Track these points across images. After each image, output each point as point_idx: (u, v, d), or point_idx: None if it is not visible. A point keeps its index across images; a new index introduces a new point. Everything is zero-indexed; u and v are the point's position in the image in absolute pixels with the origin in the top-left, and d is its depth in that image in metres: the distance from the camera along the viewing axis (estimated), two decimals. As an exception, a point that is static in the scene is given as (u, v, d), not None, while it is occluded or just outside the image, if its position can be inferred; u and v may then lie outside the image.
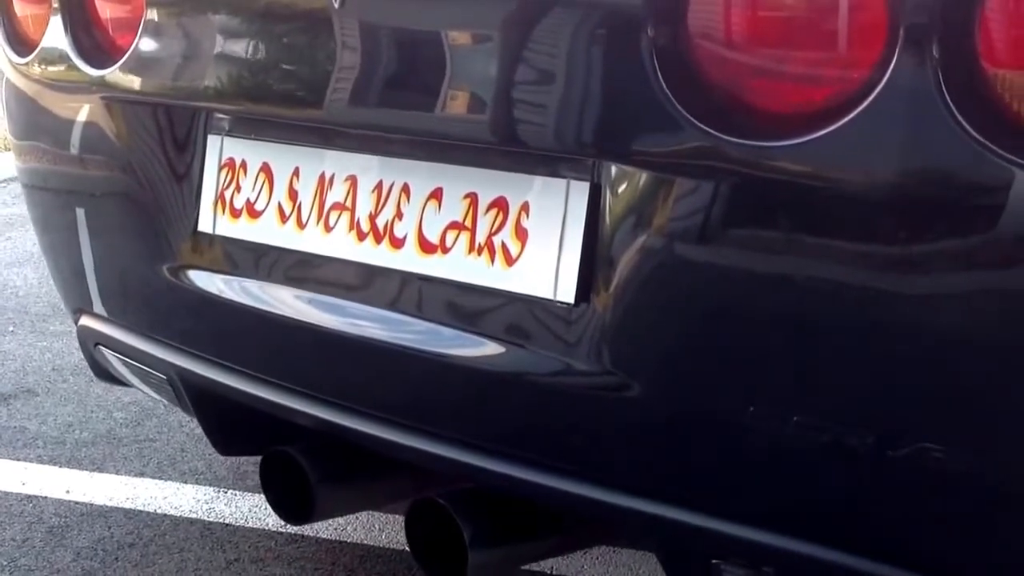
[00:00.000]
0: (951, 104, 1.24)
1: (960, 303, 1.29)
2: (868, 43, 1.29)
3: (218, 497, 2.71)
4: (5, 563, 2.44)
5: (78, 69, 2.01)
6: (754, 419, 1.40)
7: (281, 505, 1.89)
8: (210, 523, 2.61)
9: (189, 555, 2.48)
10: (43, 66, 2.08)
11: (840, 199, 1.32)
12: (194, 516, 2.64)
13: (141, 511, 2.66)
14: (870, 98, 1.28)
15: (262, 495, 2.59)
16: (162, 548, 2.50)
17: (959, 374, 1.30)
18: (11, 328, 3.81)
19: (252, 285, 1.86)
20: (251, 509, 2.65)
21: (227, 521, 2.61)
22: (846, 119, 1.29)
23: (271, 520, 2.60)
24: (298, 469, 1.84)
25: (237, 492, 2.71)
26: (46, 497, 2.72)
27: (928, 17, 1.24)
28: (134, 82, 1.96)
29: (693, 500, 1.49)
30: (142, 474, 2.83)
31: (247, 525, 2.59)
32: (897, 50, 1.25)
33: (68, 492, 2.74)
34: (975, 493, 1.31)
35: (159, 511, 2.66)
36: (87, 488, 2.76)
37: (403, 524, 2.43)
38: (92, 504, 2.69)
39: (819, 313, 1.36)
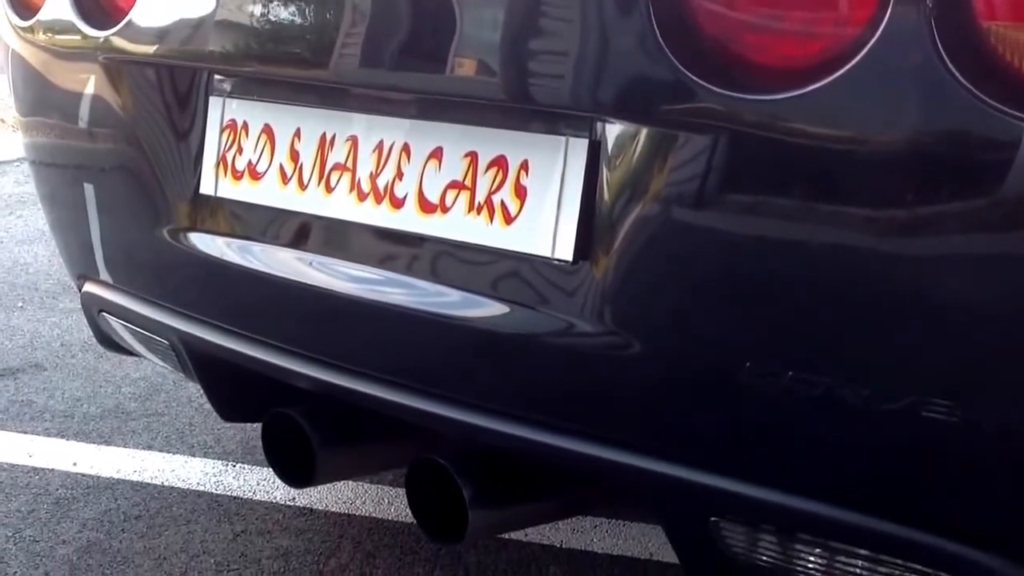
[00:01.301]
0: (945, 57, 1.23)
1: (957, 259, 1.28)
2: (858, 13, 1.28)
3: (226, 470, 2.69)
4: (10, 534, 2.43)
5: (80, 31, 1.99)
6: (751, 375, 1.39)
7: (283, 468, 1.87)
8: (217, 495, 2.59)
9: (196, 527, 2.46)
10: (46, 29, 2.06)
11: (837, 153, 1.31)
12: (202, 488, 2.62)
13: (148, 483, 2.65)
14: (864, 51, 1.27)
15: (270, 469, 2.59)
16: (168, 520, 2.49)
17: (958, 334, 1.28)
18: (20, 304, 3.81)
19: (254, 247, 1.85)
20: (259, 482, 2.64)
21: (235, 494, 2.60)
22: (841, 72, 1.28)
23: (279, 493, 2.59)
24: (300, 432, 1.82)
25: (246, 465, 2.70)
26: (52, 469, 2.70)
27: None
28: (136, 43, 1.94)
29: (689, 456, 1.48)
30: (150, 447, 2.81)
31: (255, 498, 2.58)
32: (891, 3, 1.25)
33: (75, 465, 2.72)
34: (980, 455, 1.30)
35: (166, 484, 2.65)
36: (94, 461, 2.75)
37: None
38: (99, 476, 2.67)
39: (815, 269, 1.35)
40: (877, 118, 1.28)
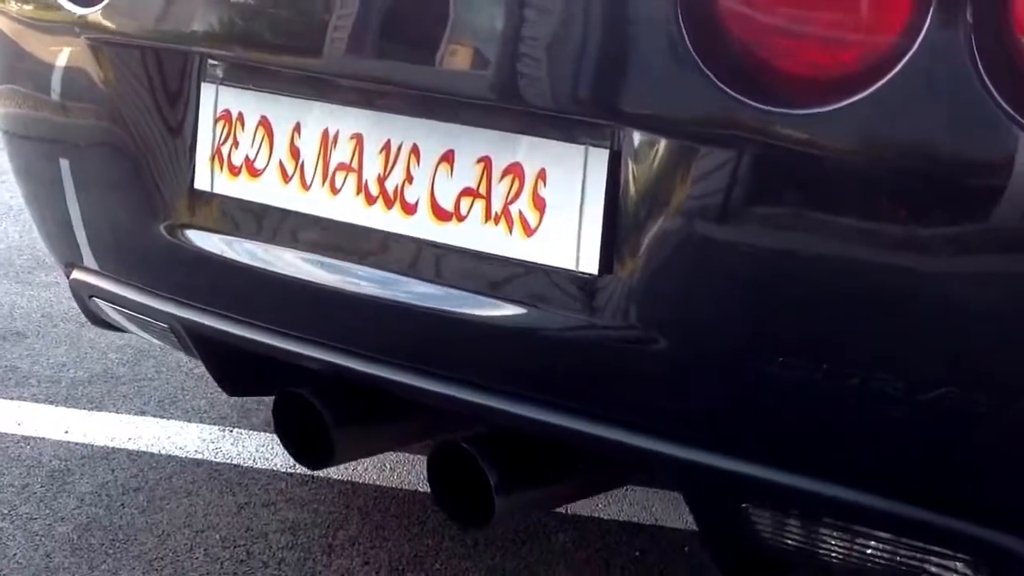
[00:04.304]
0: (984, 74, 1.20)
1: (988, 277, 1.28)
2: (898, 8, 1.25)
3: (223, 436, 2.65)
4: (6, 511, 2.38)
5: (61, 7, 1.90)
6: (777, 369, 1.38)
7: (298, 449, 1.82)
8: (217, 464, 2.56)
9: (198, 499, 2.43)
10: (24, 2, 1.97)
11: (866, 170, 1.29)
12: (200, 457, 2.59)
13: (144, 452, 2.61)
14: (898, 67, 1.24)
15: (268, 434, 2.56)
16: (169, 492, 2.45)
17: (978, 333, 1.29)
18: (-6, 281, 3.72)
19: (258, 248, 1.78)
20: (258, 448, 2.60)
21: (234, 462, 2.56)
22: (873, 88, 1.25)
23: (279, 460, 2.55)
24: (312, 411, 1.77)
25: (242, 431, 2.66)
26: (44, 438, 2.65)
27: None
28: (120, 23, 1.84)
29: (721, 444, 1.47)
30: (143, 413, 2.77)
31: (255, 466, 2.54)
32: (928, 17, 1.22)
33: (67, 432, 2.68)
34: (1002, 441, 1.31)
35: (163, 452, 2.61)
36: (86, 428, 2.70)
37: (415, 464, 2.41)
38: (93, 445, 2.63)
39: (842, 280, 1.34)
40: (908, 135, 1.26)
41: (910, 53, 1.23)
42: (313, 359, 1.74)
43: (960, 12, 1.21)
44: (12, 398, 2.84)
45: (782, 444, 1.42)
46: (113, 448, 2.61)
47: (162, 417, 2.74)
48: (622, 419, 1.50)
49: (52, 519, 2.36)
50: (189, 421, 2.72)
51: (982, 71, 1.20)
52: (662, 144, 1.41)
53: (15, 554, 2.24)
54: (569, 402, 1.54)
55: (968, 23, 1.20)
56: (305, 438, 1.79)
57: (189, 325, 1.90)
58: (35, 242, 3.73)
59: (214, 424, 2.69)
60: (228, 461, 2.56)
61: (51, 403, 2.81)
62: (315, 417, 1.75)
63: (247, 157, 1.77)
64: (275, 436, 2.43)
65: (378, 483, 2.46)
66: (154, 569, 2.20)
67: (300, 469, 2.51)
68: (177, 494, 2.45)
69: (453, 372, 1.62)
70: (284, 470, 2.52)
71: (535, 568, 2.21)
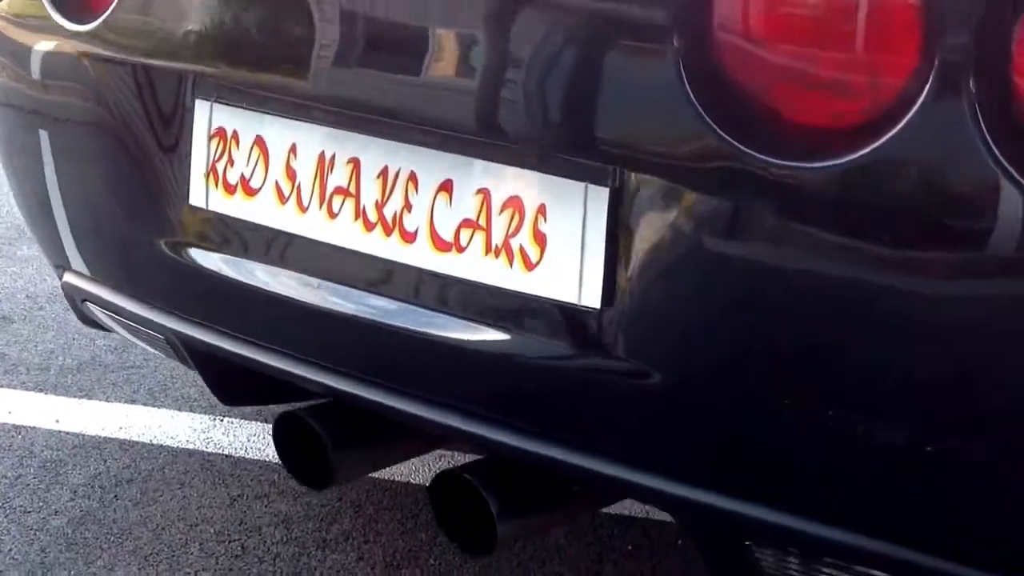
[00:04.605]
0: (987, 134, 1.21)
1: (987, 334, 1.28)
2: (900, 66, 1.25)
3: (214, 426, 2.67)
4: (0, 504, 2.40)
5: (56, 24, 1.89)
6: (779, 409, 1.40)
7: (298, 470, 1.84)
8: (209, 454, 2.58)
9: (191, 491, 2.45)
10: (15, 13, 1.96)
11: (860, 222, 1.30)
12: (192, 447, 2.60)
13: (136, 442, 2.62)
14: (899, 124, 1.24)
15: (259, 423, 2.58)
16: (162, 484, 2.47)
17: (979, 389, 1.30)
18: (-24, 254, 3.71)
19: (254, 266, 1.78)
20: (249, 438, 2.62)
21: (226, 451, 2.58)
22: (870, 145, 1.26)
23: (270, 450, 2.57)
24: (312, 434, 1.79)
25: (233, 420, 2.68)
26: (35, 428, 2.67)
27: (963, 47, 1.20)
28: (114, 41, 1.84)
29: (724, 484, 1.49)
30: (133, 401, 2.78)
31: (247, 456, 2.57)
32: (931, 77, 1.22)
33: (58, 422, 2.69)
34: (995, 491, 1.33)
35: (155, 441, 2.62)
36: (77, 417, 2.71)
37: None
38: (84, 435, 2.64)
39: (840, 330, 1.35)
40: (911, 191, 1.26)
41: (911, 111, 1.23)
42: (308, 380, 1.75)
43: (963, 71, 1.21)
44: (2, 386, 2.85)
45: (783, 485, 1.44)
46: (105, 438, 2.63)
47: (152, 406, 2.75)
48: (624, 455, 1.52)
49: (46, 512, 2.37)
50: (180, 410, 2.73)
51: (985, 130, 1.20)
52: (662, 186, 1.41)
53: (11, 549, 2.26)
54: (569, 436, 1.56)
55: (970, 82, 1.20)
56: (305, 460, 1.81)
57: (184, 338, 1.91)
58: (14, 212, 3.71)
59: (204, 413, 2.71)
60: (220, 451, 2.58)
61: (41, 391, 2.82)
62: (315, 440, 1.77)
63: (243, 176, 1.77)
64: (266, 425, 2.47)
65: (371, 475, 2.48)
66: (150, 565, 2.23)
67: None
68: (170, 485, 2.47)
69: (450, 401, 1.63)
70: (276, 461, 2.54)
71: (528, 564, 2.24)
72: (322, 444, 1.77)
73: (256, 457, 2.56)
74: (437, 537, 2.30)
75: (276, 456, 2.50)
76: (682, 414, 1.47)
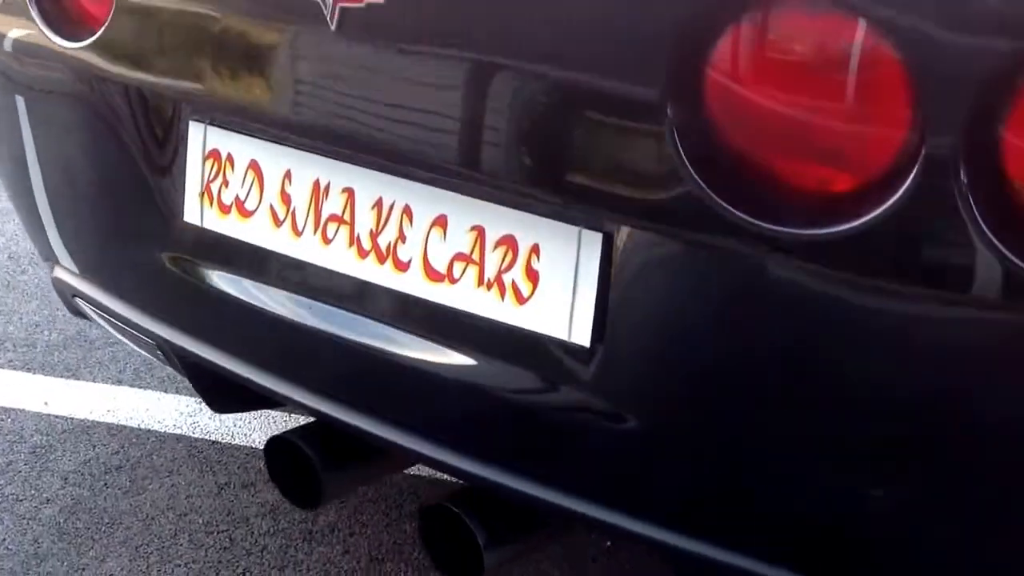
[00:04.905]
0: (977, 215, 1.22)
1: (974, 406, 1.31)
2: (890, 144, 1.27)
3: (200, 409, 2.71)
4: (-7, 494, 2.45)
5: (48, 40, 1.91)
6: (758, 463, 1.44)
7: (290, 491, 1.90)
8: (196, 440, 2.62)
9: (179, 479, 2.50)
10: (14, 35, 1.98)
11: (839, 297, 1.33)
12: (179, 432, 2.65)
13: (124, 426, 2.67)
14: (893, 198, 1.26)
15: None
16: (150, 471, 2.52)
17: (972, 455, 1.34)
18: (-45, 208, 3.71)
19: (249, 285, 1.82)
20: (235, 423, 2.67)
21: (212, 437, 2.63)
22: (857, 222, 1.27)
23: (256, 436, 2.62)
24: (302, 457, 1.84)
25: (219, 405, 2.72)
26: (24, 410, 2.71)
27: (953, 128, 1.21)
28: (104, 59, 1.86)
29: (698, 530, 1.53)
30: (119, 382, 2.82)
31: (233, 442, 2.61)
32: (921, 156, 1.23)
33: (47, 404, 2.73)
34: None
35: (142, 426, 2.67)
36: (65, 399, 2.75)
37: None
38: (73, 419, 2.69)
39: (819, 392, 1.39)
40: (895, 270, 1.28)
41: (900, 188, 1.25)
42: (291, 400, 1.80)
43: (953, 150, 1.22)
44: (-11, 365, 2.89)
45: (762, 534, 1.49)
46: (93, 422, 2.67)
47: (139, 387, 2.79)
48: (606, 497, 1.57)
49: (38, 500, 2.42)
50: (166, 391, 2.77)
51: (975, 211, 1.22)
52: (654, 238, 1.45)
53: (4, 539, 2.31)
54: (551, 473, 1.60)
55: (960, 162, 1.22)
56: (296, 480, 1.86)
57: (175, 347, 1.95)
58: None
59: (190, 395, 2.75)
60: (206, 437, 2.63)
61: (28, 370, 2.86)
62: (305, 461, 1.82)
63: (237, 197, 1.81)
64: (252, 411, 2.51)
65: (355, 465, 2.53)
66: (140, 556, 2.28)
67: (278, 446, 2.58)
68: (159, 473, 2.52)
69: (431, 430, 1.68)
70: (262, 447, 2.58)
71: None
72: (312, 466, 1.82)
73: (242, 443, 2.60)
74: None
75: (262, 441, 2.57)
76: (663, 459, 1.51)
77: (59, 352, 2.92)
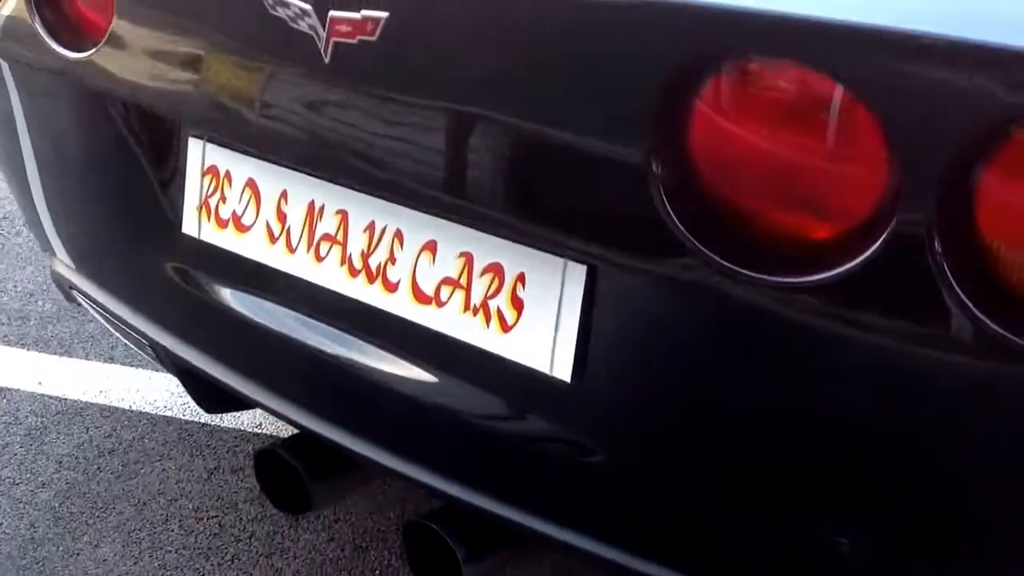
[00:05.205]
0: (948, 271, 1.26)
1: (943, 455, 1.37)
2: (865, 202, 1.32)
3: (190, 391, 2.78)
4: (-10, 476, 2.52)
5: (53, 51, 1.97)
6: (733, 506, 1.51)
7: (279, 499, 1.98)
8: (186, 423, 2.70)
9: (170, 463, 2.57)
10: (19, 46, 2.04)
11: (814, 343, 1.39)
12: (169, 414, 2.72)
13: (116, 408, 2.74)
14: (868, 251, 1.30)
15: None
16: (142, 456, 2.59)
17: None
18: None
19: (242, 297, 1.89)
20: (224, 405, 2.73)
21: (202, 420, 2.70)
22: (831, 272, 1.32)
23: (245, 418, 2.69)
24: (290, 468, 1.92)
25: (209, 388, 2.79)
26: (19, 390, 2.78)
27: (926, 195, 1.26)
28: (106, 72, 1.92)
29: (668, 558, 1.60)
30: (111, 359, 2.89)
31: (222, 425, 2.69)
32: (896, 215, 1.28)
33: (40, 384, 2.80)
34: None
35: (134, 407, 2.74)
36: (59, 378, 2.82)
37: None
38: (67, 399, 2.75)
39: (794, 434, 1.45)
40: (866, 322, 1.34)
41: (878, 241, 1.29)
42: (276, 412, 1.87)
43: (927, 206, 1.25)
44: (-16, 341, 2.95)
45: (724, 566, 1.56)
46: (86, 403, 2.74)
47: (130, 365, 2.86)
48: (575, 522, 1.64)
49: (34, 484, 2.49)
50: (156, 370, 2.83)
51: (946, 267, 1.26)
52: (636, 278, 1.51)
53: (2, 523, 2.38)
54: (525, 498, 1.67)
55: (934, 218, 1.25)
56: (285, 490, 1.94)
57: (167, 351, 2.02)
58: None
59: (181, 377, 2.81)
60: (196, 419, 2.70)
61: (23, 346, 2.92)
62: (293, 473, 1.89)
63: (234, 212, 1.87)
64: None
65: (341, 452, 2.61)
66: (133, 542, 2.36)
67: (265, 429, 2.66)
68: (150, 457, 2.59)
69: (409, 450, 1.75)
70: (250, 430, 2.67)
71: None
72: (298, 476, 1.89)
73: (231, 426, 2.68)
74: (403, 516, 2.44)
75: (251, 425, 2.64)
76: (642, 495, 1.58)
77: (53, 325, 2.98)
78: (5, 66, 2.10)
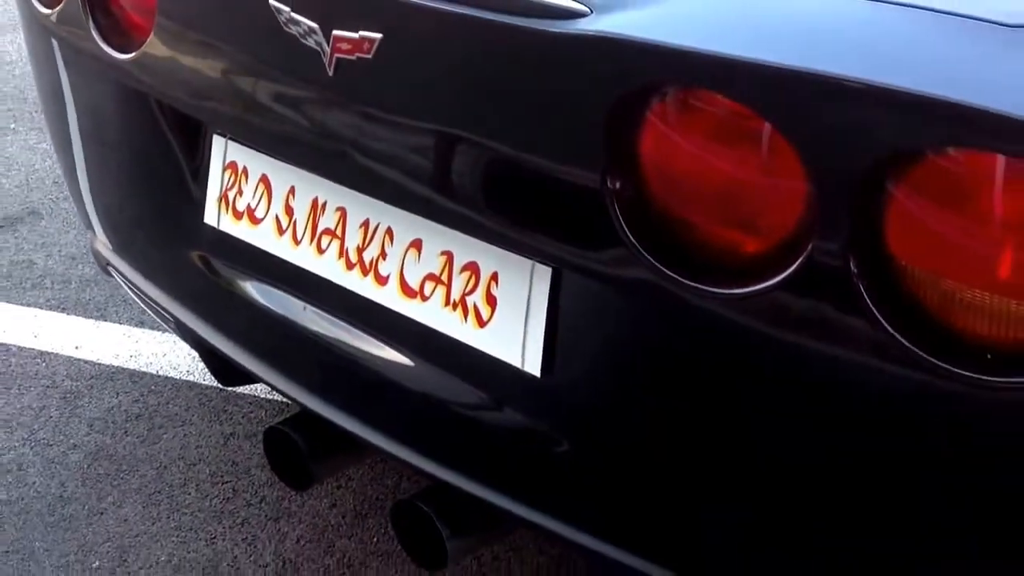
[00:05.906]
0: (863, 291, 1.39)
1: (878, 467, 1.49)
2: (788, 222, 1.45)
3: (212, 358, 2.96)
4: (26, 436, 2.72)
5: (102, 50, 2.16)
6: (700, 493, 1.64)
7: (285, 474, 2.16)
8: (205, 388, 2.88)
9: (190, 429, 2.77)
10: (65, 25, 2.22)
11: (747, 350, 1.53)
12: (191, 379, 2.91)
13: (145, 372, 2.93)
14: (791, 268, 1.43)
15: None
16: (166, 420, 2.79)
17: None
18: (12, 124, 3.91)
19: (253, 283, 2.08)
20: (243, 375, 2.92)
21: (219, 385, 2.87)
22: (759, 286, 1.46)
23: (259, 385, 2.86)
24: (293, 444, 2.10)
25: (230, 356, 2.97)
26: (57, 354, 2.98)
27: (844, 211, 1.38)
28: (146, 72, 2.11)
29: (637, 545, 1.74)
30: (141, 323, 3.08)
31: (238, 391, 2.86)
32: (814, 236, 1.40)
33: (77, 348, 3.00)
34: None
35: (160, 373, 2.93)
36: (94, 343, 3.01)
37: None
38: (99, 364, 2.95)
39: (730, 425, 1.59)
40: (790, 334, 1.48)
41: (800, 259, 1.42)
42: (279, 389, 2.06)
43: (840, 232, 1.38)
44: (28, 304, 3.15)
45: (688, 553, 1.69)
46: (117, 368, 2.94)
47: (157, 330, 3.05)
48: (545, 505, 1.79)
49: (66, 446, 2.69)
50: (182, 337, 3.02)
51: (862, 289, 1.38)
52: (596, 282, 1.66)
53: (34, 482, 2.58)
54: (498, 480, 1.83)
55: (847, 241, 1.37)
56: (289, 464, 2.12)
57: (188, 328, 2.22)
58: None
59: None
60: (215, 384, 2.88)
61: (63, 310, 3.12)
62: (296, 451, 2.08)
63: (249, 205, 2.06)
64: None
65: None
66: (152, 504, 2.55)
67: (277, 397, 2.83)
68: (173, 422, 2.78)
69: (395, 431, 1.92)
70: (265, 397, 2.85)
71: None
72: (300, 454, 2.08)
73: (246, 392, 2.86)
74: (401, 483, 2.62)
75: (264, 392, 2.82)
76: (611, 487, 1.73)
77: (90, 289, 3.17)
78: (55, 44, 2.29)
